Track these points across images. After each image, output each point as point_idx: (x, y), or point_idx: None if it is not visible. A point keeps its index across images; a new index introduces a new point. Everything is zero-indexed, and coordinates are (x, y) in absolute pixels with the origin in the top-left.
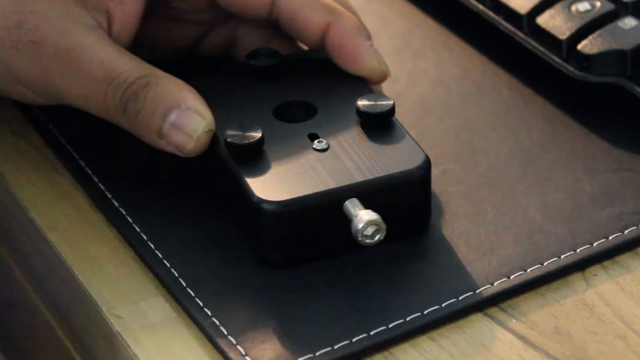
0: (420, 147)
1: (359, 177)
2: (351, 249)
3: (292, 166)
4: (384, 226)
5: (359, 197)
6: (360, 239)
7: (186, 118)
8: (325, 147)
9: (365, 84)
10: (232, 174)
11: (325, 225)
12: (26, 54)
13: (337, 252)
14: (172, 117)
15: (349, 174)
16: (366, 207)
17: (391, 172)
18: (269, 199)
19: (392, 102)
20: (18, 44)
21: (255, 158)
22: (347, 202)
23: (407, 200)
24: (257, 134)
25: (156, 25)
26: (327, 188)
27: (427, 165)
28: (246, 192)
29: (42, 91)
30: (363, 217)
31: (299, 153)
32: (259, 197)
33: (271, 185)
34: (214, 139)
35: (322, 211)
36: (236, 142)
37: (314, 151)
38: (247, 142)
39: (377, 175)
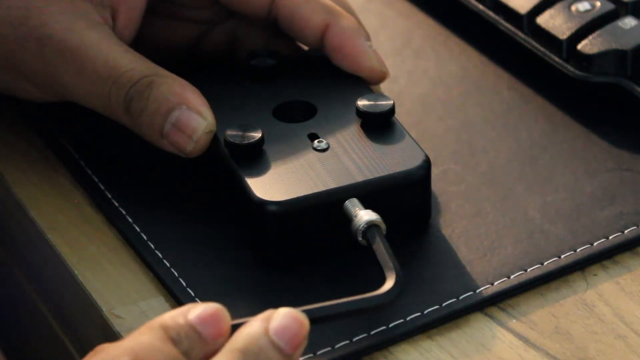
0: (420, 147)
1: (359, 177)
2: (351, 249)
3: (292, 166)
4: (383, 226)
5: (359, 197)
6: (360, 239)
7: (187, 118)
8: (325, 147)
9: (365, 84)
10: (232, 174)
11: (325, 225)
12: (31, 50)
13: (337, 252)
14: (173, 117)
15: (349, 174)
16: (366, 207)
17: (391, 172)
18: (269, 199)
19: (392, 102)
20: (23, 41)
21: (255, 158)
22: (347, 202)
23: (407, 200)
24: (257, 134)
25: (157, 23)
26: (327, 188)
27: (427, 165)
28: (246, 192)
29: (45, 88)
30: (363, 217)
31: (299, 153)
32: (259, 198)
33: (271, 186)
34: (214, 139)
35: (322, 211)
36: (236, 142)
37: (314, 151)
38: (247, 142)
39: (377, 175)
